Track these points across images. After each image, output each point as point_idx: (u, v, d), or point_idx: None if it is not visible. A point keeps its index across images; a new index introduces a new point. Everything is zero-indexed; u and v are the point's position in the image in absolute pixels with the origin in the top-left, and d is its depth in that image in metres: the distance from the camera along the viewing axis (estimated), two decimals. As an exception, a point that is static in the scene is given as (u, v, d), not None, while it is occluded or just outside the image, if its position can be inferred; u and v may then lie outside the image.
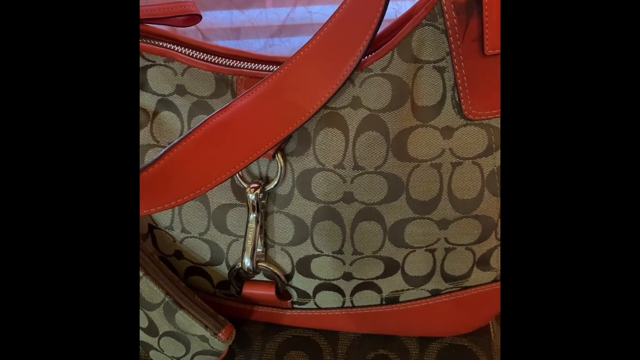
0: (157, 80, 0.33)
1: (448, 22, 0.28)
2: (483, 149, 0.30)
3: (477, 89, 0.29)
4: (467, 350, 0.38)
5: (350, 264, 0.33)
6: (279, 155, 0.31)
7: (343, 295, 0.35)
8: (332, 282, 0.34)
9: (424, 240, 0.32)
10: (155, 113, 0.33)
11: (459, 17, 0.28)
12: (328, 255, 0.33)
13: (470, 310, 0.36)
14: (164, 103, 0.33)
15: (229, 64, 0.33)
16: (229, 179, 0.32)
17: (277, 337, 0.39)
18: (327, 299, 0.36)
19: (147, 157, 0.34)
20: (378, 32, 0.29)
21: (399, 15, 0.32)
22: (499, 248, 0.34)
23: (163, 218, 0.35)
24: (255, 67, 0.33)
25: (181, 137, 0.30)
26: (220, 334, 0.33)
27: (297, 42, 0.59)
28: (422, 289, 0.35)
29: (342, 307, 0.36)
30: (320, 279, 0.34)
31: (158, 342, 0.35)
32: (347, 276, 0.34)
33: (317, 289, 0.35)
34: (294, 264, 0.34)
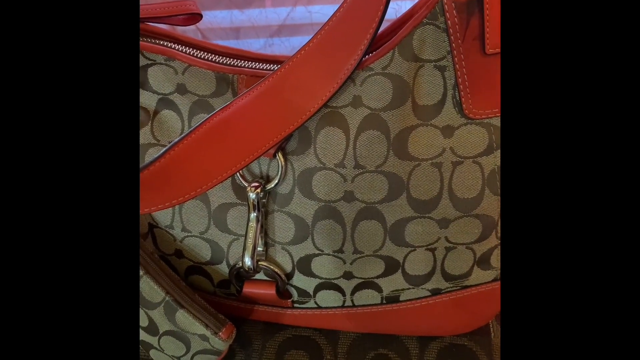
0: (158, 79, 0.33)
1: (449, 21, 0.28)
2: (484, 148, 0.30)
3: (477, 88, 0.29)
4: (467, 349, 0.38)
5: (351, 263, 0.33)
6: (279, 154, 0.31)
7: (343, 294, 0.35)
8: (333, 281, 0.34)
9: (425, 239, 0.32)
10: (156, 112, 0.33)
11: (459, 15, 0.28)
12: (329, 254, 0.33)
13: (471, 309, 0.36)
14: (165, 102, 0.33)
15: (230, 62, 0.33)
16: (230, 178, 0.32)
17: (278, 337, 0.39)
18: (328, 298, 0.36)
19: (148, 156, 0.34)
20: (379, 32, 0.29)
21: (399, 15, 0.32)
22: (500, 247, 0.34)
23: (163, 217, 0.35)
24: (256, 66, 0.33)
25: (182, 135, 0.30)
26: (220, 333, 0.33)
27: (297, 42, 0.59)
28: (422, 288, 0.35)
29: (343, 306, 0.36)
30: (320, 278, 0.34)
31: (158, 341, 0.35)
32: (348, 275, 0.34)
33: (318, 288, 0.35)
34: (295, 263, 0.34)
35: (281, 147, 0.31)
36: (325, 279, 0.34)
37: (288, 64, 0.29)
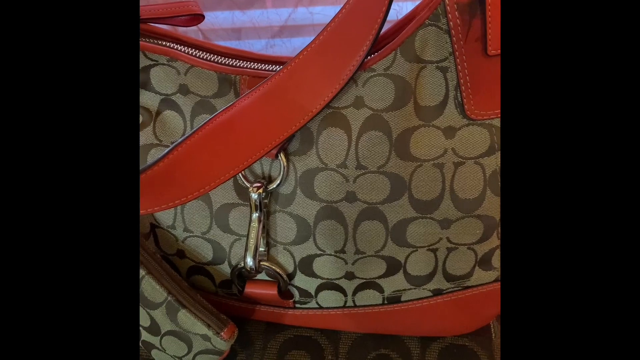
0: (160, 80, 0.33)
1: (451, 22, 0.28)
2: (485, 148, 0.30)
3: (479, 89, 0.29)
4: (469, 349, 0.38)
5: (353, 264, 0.33)
6: (281, 154, 0.31)
7: (345, 294, 0.35)
8: (334, 281, 0.35)
9: (426, 240, 0.32)
10: (158, 112, 0.33)
11: (462, 17, 0.28)
12: (330, 255, 0.33)
13: (472, 310, 0.36)
14: (167, 102, 0.33)
15: (232, 63, 0.33)
16: (232, 178, 0.32)
17: (279, 337, 0.39)
18: (329, 298, 0.36)
19: (150, 156, 0.34)
20: (381, 33, 0.29)
21: (400, 16, 0.32)
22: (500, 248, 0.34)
23: (165, 217, 0.35)
24: (258, 67, 0.33)
25: (184, 136, 0.30)
26: (222, 333, 0.33)
27: (299, 43, 0.59)
28: (423, 289, 0.35)
29: (344, 306, 0.36)
30: (322, 278, 0.34)
31: (160, 341, 0.35)
32: (349, 275, 0.34)
33: (319, 289, 0.35)
34: (296, 263, 0.34)
35: (283, 148, 0.31)
36: (327, 279, 0.34)
37: (290, 65, 0.29)
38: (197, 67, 0.32)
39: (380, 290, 0.35)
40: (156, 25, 0.34)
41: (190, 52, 0.33)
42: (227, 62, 0.33)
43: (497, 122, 0.30)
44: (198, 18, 0.35)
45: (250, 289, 0.36)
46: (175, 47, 0.33)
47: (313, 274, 0.34)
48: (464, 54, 0.28)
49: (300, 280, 0.35)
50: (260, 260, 0.34)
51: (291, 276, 0.35)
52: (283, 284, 0.35)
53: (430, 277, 0.34)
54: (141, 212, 0.30)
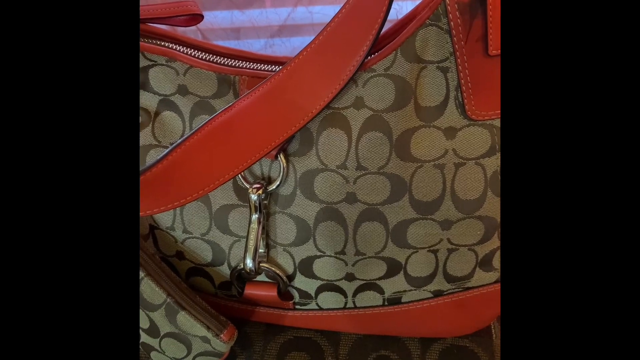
0: (159, 80, 0.33)
1: (452, 22, 0.28)
2: (486, 149, 0.30)
3: (480, 90, 0.29)
4: (469, 350, 0.38)
5: (353, 265, 0.33)
6: (281, 155, 0.31)
7: (345, 296, 0.35)
8: (335, 282, 0.34)
9: (427, 241, 0.32)
10: (157, 113, 0.33)
11: (462, 17, 0.28)
12: (330, 256, 0.33)
13: (473, 311, 0.36)
14: (166, 103, 0.33)
15: (231, 63, 0.33)
16: (231, 180, 0.32)
17: (279, 338, 0.39)
18: (329, 299, 0.36)
19: (149, 157, 0.33)
20: (381, 33, 0.29)
21: (400, 16, 0.32)
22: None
23: (164, 218, 0.34)
24: (257, 67, 0.33)
25: (184, 137, 0.30)
26: (222, 335, 0.33)
27: (298, 43, 0.59)
28: (424, 290, 0.35)
29: (344, 307, 0.36)
30: (322, 279, 0.34)
31: (159, 343, 0.35)
32: (350, 277, 0.34)
33: (319, 290, 0.35)
34: (296, 264, 0.34)
35: (283, 149, 0.31)
36: (327, 280, 0.34)
37: (290, 65, 0.29)
38: (196, 67, 0.32)
39: (381, 291, 0.35)
40: (155, 25, 0.34)
41: (189, 52, 0.33)
42: (226, 63, 0.33)
43: (498, 123, 0.30)
44: (197, 18, 0.34)
45: (250, 291, 0.36)
46: (174, 48, 0.33)
47: (313, 276, 0.34)
48: (465, 54, 0.28)
49: (300, 281, 0.35)
50: (259, 262, 0.34)
51: (291, 277, 0.35)
52: (283, 286, 0.35)
53: (430, 278, 0.34)
54: (140, 213, 0.30)
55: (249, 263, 0.33)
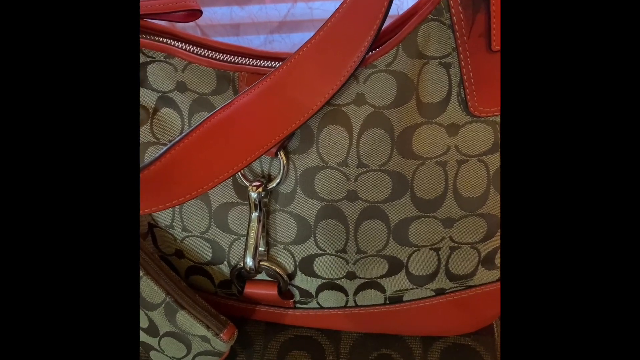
0: (157, 77, 0.32)
1: (454, 17, 0.27)
2: (489, 146, 0.30)
3: (483, 86, 0.29)
4: (471, 349, 0.38)
5: (354, 263, 0.33)
6: (281, 153, 0.31)
7: (346, 294, 0.35)
8: (335, 281, 0.34)
9: (429, 239, 0.32)
10: (155, 110, 0.33)
11: (465, 12, 0.27)
12: (331, 254, 0.33)
13: (475, 309, 0.36)
14: (164, 100, 0.32)
15: (230, 60, 0.32)
16: (231, 177, 0.32)
17: (279, 337, 0.39)
18: (330, 298, 0.35)
19: (147, 154, 0.33)
20: (382, 28, 0.29)
21: (401, 11, 0.32)
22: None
23: (163, 217, 0.34)
24: (257, 64, 0.32)
25: (183, 134, 0.29)
26: (222, 334, 0.33)
27: (298, 39, 0.59)
28: (426, 288, 0.34)
29: (345, 306, 0.36)
30: (323, 278, 0.34)
31: (159, 343, 0.34)
32: (351, 275, 0.34)
33: (320, 289, 0.35)
34: (297, 263, 0.33)
35: (283, 146, 0.31)
36: (328, 279, 0.34)
37: (290, 61, 0.29)
38: (194, 63, 0.32)
39: (382, 290, 0.34)
40: (153, 21, 0.34)
41: (188, 48, 0.33)
42: (225, 59, 0.32)
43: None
44: (196, 14, 0.34)
45: (250, 289, 0.35)
46: (172, 44, 0.32)
47: (314, 274, 0.34)
48: (468, 50, 0.28)
49: (301, 280, 0.34)
50: (260, 260, 0.33)
51: (291, 276, 0.34)
52: (283, 284, 0.35)
53: (432, 276, 0.34)
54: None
55: (249, 261, 0.33)
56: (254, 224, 0.32)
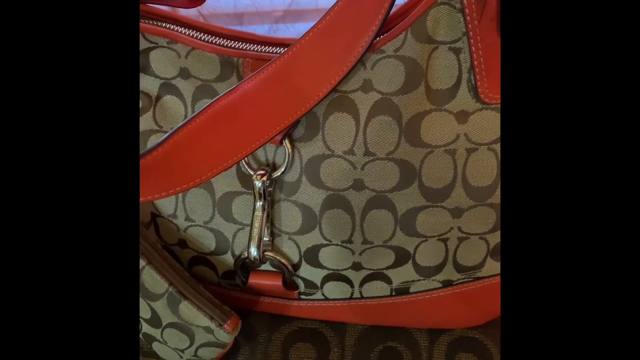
0: (160, 63, 0.32)
1: (465, 1, 0.27)
2: (499, 134, 0.29)
3: (494, 72, 0.28)
4: (478, 342, 0.37)
5: (360, 254, 0.32)
6: (286, 140, 0.30)
7: (352, 285, 0.34)
8: (341, 272, 0.33)
9: (437, 229, 0.31)
10: (158, 97, 0.32)
11: (476, -5, 0.26)
12: (337, 245, 0.32)
13: (483, 301, 0.35)
14: (167, 87, 0.32)
15: (235, 45, 0.32)
16: (235, 166, 0.31)
17: (284, 329, 0.38)
18: (335, 289, 0.35)
19: (149, 142, 0.33)
20: (391, 12, 0.28)
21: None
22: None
23: (166, 206, 0.34)
24: (261, 49, 0.32)
25: (185, 120, 0.29)
26: (225, 325, 0.33)
27: (302, 28, 0.58)
28: (433, 280, 0.34)
29: (351, 298, 0.35)
30: (328, 269, 0.33)
31: (161, 334, 0.34)
32: (357, 266, 0.33)
33: (325, 280, 0.34)
34: (302, 253, 0.33)
35: (288, 134, 0.30)
36: (333, 270, 0.33)
37: (295, 47, 0.28)
38: (198, 49, 0.31)
39: (389, 281, 0.34)
40: (155, 6, 0.33)
41: (191, 34, 0.32)
42: (229, 45, 0.32)
43: (512, 106, 0.29)
44: (199, 0, 0.33)
45: (254, 280, 0.35)
46: (175, 29, 0.32)
47: (319, 265, 0.33)
48: (479, 34, 0.27)
49: (306, 271, 0.34)
50: (264, 251, 0.33)
51: (296, 267, 0.34)
52: (288, 275, 0.34)
53: (440, 267, 0.33)
54: (140, 199, 0.29)
55: (253, 252, 0.32)
56: (259, 213, 0.31)
